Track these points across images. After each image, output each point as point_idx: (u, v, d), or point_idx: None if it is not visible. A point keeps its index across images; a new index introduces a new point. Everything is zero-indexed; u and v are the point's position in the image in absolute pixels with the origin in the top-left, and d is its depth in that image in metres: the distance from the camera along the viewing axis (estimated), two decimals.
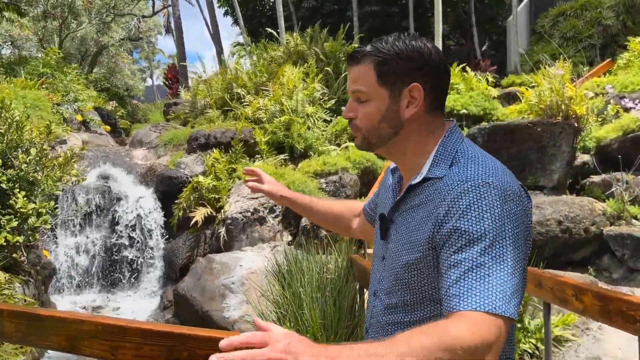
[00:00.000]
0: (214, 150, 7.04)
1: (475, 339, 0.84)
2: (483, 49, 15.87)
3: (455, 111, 7.31)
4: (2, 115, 5.33)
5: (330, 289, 4.17)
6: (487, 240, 0.93)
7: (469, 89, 8.09)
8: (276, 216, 6.13)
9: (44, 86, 9.51)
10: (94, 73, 19.27)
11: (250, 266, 5.75)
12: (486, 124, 6.53)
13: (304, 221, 6.21)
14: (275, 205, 6.13)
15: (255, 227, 6.04)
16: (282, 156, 7.32)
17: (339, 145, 8.04)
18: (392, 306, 1.09)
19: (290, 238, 6.40)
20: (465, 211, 0.96)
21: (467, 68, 8.94)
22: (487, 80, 8.87)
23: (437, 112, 1.12)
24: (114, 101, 17.16)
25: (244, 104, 8.52)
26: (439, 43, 8.95)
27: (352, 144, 7.84)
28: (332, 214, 1.57)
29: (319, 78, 8.77)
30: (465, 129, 6.63)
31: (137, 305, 6.78)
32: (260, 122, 7.93)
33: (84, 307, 6.46)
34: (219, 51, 15.89)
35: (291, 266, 4.52)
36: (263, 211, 6.03)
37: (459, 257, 0.93)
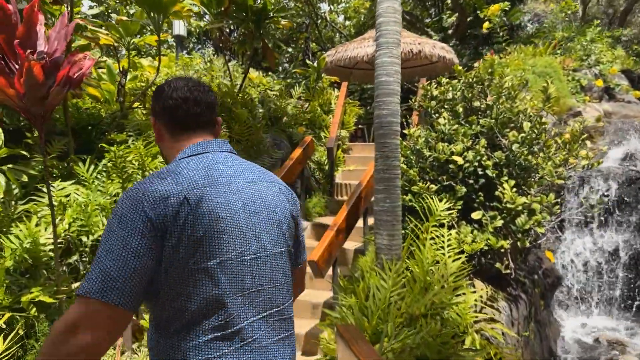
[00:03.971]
0: None
1: (61, 322, 1.03)
2: None
3: None
4: (493, 84, 4.31)
5: None
6: (106, 235, 1.09)
7: None
8: None
9: (557, 51, 8.13)
10: (624, 35, 16.41)
11: None
12: None
13: None
14: None
15: None
16: None
17: None
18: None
19: None
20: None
21: None
22: None
23: (182, 136, 1.33)
24: None
25: None
26: None
27: None
28: None
29: None
30: None
31: None
32: None
33: (597, 339, 4.70)
34: None
35: None
36: None
37: None
